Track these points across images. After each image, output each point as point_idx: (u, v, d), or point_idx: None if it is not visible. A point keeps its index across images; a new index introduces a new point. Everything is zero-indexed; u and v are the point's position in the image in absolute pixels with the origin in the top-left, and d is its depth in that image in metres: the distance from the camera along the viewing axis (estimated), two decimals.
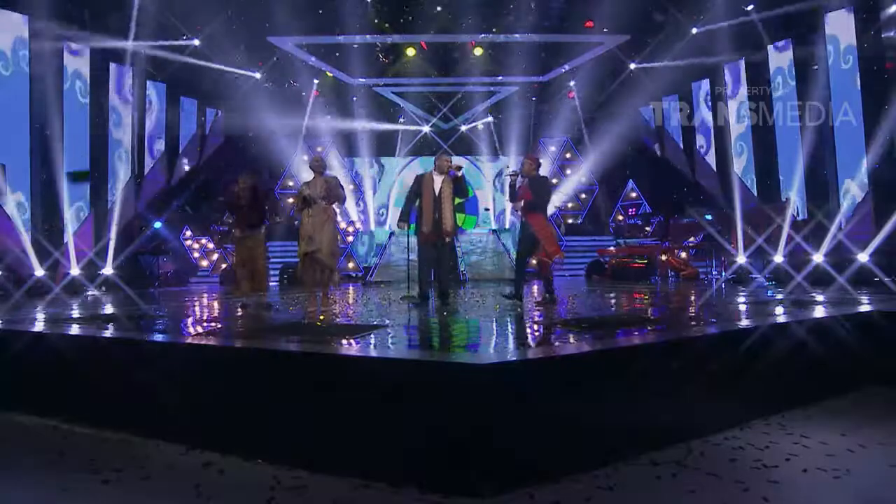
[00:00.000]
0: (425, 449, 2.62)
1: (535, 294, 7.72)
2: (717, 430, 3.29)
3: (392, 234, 16.34)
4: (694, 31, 13.89)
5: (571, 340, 3.79)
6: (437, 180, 6.32)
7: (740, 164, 14.20)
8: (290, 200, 16.85)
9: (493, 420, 2.58)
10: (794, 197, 12.29)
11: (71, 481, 2.85)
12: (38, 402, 3.89)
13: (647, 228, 15.81)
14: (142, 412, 3.46)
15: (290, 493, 2.60)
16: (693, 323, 4.66)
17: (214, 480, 2.79)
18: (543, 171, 6.59)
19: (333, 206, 6.85)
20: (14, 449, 3.39)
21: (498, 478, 2.54)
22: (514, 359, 2.90)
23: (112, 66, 13.31)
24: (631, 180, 17.36)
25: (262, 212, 6.69)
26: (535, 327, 4.58)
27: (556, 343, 3.72)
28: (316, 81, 17.10)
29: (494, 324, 4.93)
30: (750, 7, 12.42)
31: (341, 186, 6.88)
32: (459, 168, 6.40)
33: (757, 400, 3.59)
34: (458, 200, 6.60)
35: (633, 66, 15.83)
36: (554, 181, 16.77)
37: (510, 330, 4.62)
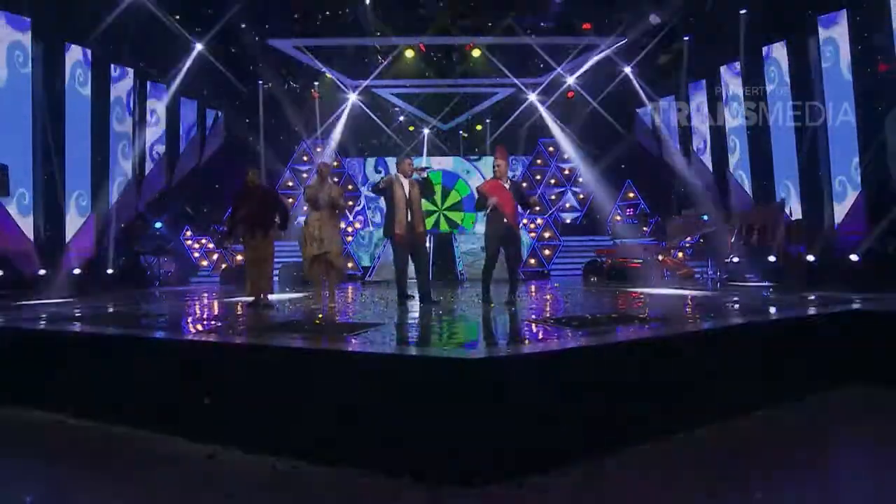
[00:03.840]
0: (419, 440, 2.73)
1: (533, 294, 7.84)
2: (704, 424, 3.39)
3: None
4: (691, 32, 14.00)
5: (561, 337, 3.89)
6: (405, 183, 6.41)
7: (736, 164, 14.31)
8: (290, 200, 16.96)
9: (484, 412, 2.69)
10: (789, 197, 12.41)
11: (79, 474, 2.96)
12: (46, 397, 4.00)
13: (645, 229, 15.93)
14: (146, 407, 3.56)
15: (289, 483, 2.72)
16: (681, 321, 4.76)
17: (217, 471, 2.90)
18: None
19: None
20: (23, 443, 3.49)
21: (489, 468, 2.65)
22: (504, 354, 3.01)
23: (113, 66, 13.42)
24: (629, 180, 17.48)
25: (273, 215, 6.71)
26: (526, 325, 4.69)
27: (546, 339, 3.83)
28: (316, 84, 17.20)
29: (487, 322, 5.04)
30: (743, 11, 12.53)
31: (343, 197, 7.06)
32: (424, 170, 6.54)
33: (744, 395, 3.69)
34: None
35: (630, 67, 15.92)
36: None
37: (501, 328, 4.73)
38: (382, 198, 6.64)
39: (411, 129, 19.15)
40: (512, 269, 6.31)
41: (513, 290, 6.35)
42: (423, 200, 6.52)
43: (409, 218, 6.35)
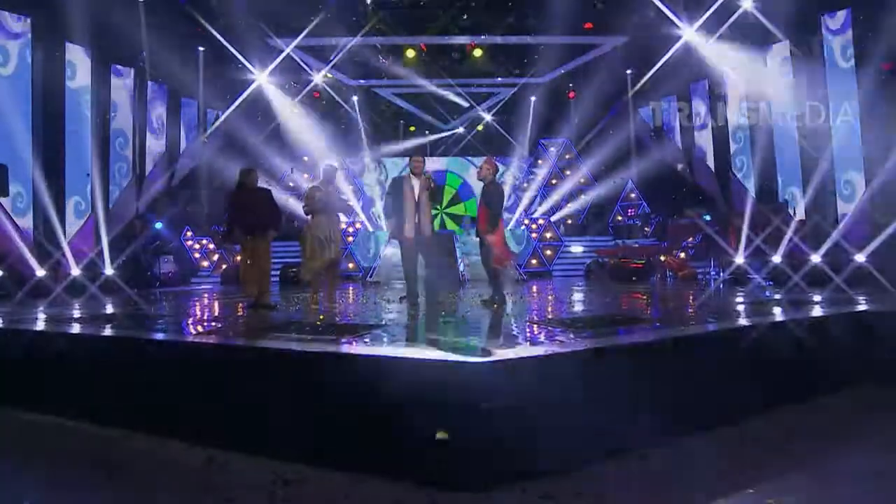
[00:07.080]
0: (421, 444, 2.68)
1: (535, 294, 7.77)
2: (707, 427, 3.35)
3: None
4: (692, 31, 13.93)
5: (561, 339, 3.83)
6: (416, 184, 6.48)
7: (738, 164, 14.26)
8: (292, 201, 16.91)
9: (486, 417, 2.64)
10: (792, 198, 12.36)
11: (78, 476, 2.92)
12: (47, 400, 3.96)
13: (646, 229, 15.85)
14: (146, 410, 3.52)
15: (290, 486, 2.67)
16: (683, 322, 4.70)
17: (216, 475, 2.86)
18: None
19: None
20: (24, 445, 3.46)
21: (491, 473, 2.60)
22: (505, 357, 2.95)
23: (114, 66, 13.40)
24: (630, 180, 17.40)
25: (269, 217, 6.70)
26: (525, 326, 4.63)
27: (547, 342, 3.77)
28: (317, 82, 17.15)
29: (487, 324, 4.99)
30: (749, 6, 12.46)
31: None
32: (434, 182, 6.66)
33: (748, 397, 3.64)
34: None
35: (631, 66, 15.87)
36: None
37: (502, 329, 4.67)
38: (390, 197, 6.70)
39: (412, 129, 19.12)
40: (486, 270, 6.44)
41: (495, 290, 6.40)
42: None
43: (417, 220, 6.41)
